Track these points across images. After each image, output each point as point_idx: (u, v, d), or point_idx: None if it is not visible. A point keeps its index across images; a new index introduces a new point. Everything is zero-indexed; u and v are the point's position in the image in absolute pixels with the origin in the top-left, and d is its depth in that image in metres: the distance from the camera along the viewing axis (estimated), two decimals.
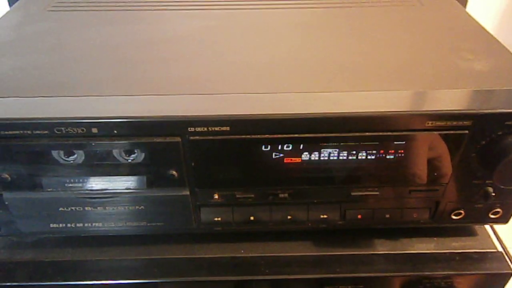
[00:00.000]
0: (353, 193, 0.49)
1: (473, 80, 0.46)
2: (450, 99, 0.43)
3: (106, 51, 0.54)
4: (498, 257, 0.53)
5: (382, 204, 0.50)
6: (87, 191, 0.47)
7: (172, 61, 0.51)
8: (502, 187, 0.47)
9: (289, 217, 0.51)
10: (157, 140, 0.43)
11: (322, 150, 0.46)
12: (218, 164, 0.45)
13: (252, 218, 0.51)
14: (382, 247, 0.54)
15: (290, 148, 0.45)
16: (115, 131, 0.42)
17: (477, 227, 0.56)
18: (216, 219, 0.51)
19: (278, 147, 0.45)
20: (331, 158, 0.46)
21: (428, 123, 0.42)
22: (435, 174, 0.47)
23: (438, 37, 0.57)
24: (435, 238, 0.55)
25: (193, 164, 0.45)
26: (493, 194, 0.48)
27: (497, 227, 0.56)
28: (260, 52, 0.54)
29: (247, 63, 0.51)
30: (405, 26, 0.61)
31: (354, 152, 0.46)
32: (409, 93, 0.45)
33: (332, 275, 0.51)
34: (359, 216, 0.52)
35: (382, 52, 0.53)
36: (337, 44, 0.56)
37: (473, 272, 0.51)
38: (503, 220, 0.52)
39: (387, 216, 0.51)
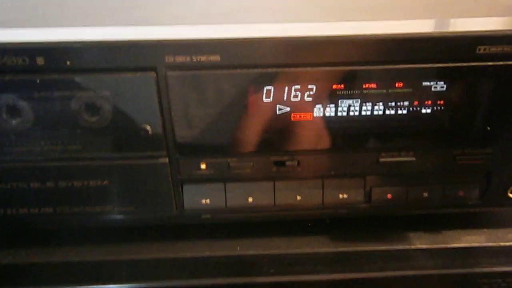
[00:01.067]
0: (381, 159, 0.38)
1: None
2: (505, 23, 0.34)
3: None
4: None
5: (418, 178, 0.39)
6: (32, 158, 0.36)
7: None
8: None
9: (298, 197, 0.39)
10: (123, 76, 0.32)
11: (339, 100, 0.35)
12: (204, 115, 0.34)
13: (250, 199, 0.39)
14: (420, 241, 0.41)
15: (299, 97, 0.35)
16: (68, 62, 0.31)
17: None
18: (203, 201, 0.39)
19: (283, 90, 0.34)
20: (351, 112, 0.36)
21: (479, 49, 0.32)
22: (487, 129, 0.36)
23: None
24: (485, 230, 0.43)
25: (171, 113, 0.34)
26: None
27: None
28: None
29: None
30: None
31: (381, 101, 0.35)
32: (451, 20, 0.35)
33: (355, 275, 0.39)
34: (389, 196, 0.40)
35: None
36: None
37: None
38: None
39: (425, 195, 0.40)
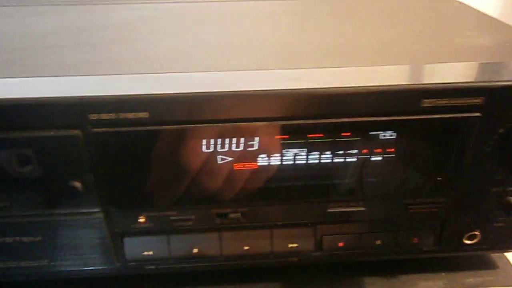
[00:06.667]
0: (330, 210, 0.36)
1: (477, 54, 0.36)
2: (453, 73, 0.32)
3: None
4: None
5: (370, 225, 0.38)
6: None
7: (82, 46, 0.39)
8: None
9: (246, 247, 0.38)
10: (47, 134, 0.30)
11: (284, 150, 0.33)
12: (138, 171, 0.32)
13: (195, 250, 0.37)
14: (375, 287, 0.40)
15: (242, 147, 0.33)
16: None
17: (497, 256, 0.43)
18: (146, 253, 0.37)
19: (224, 144, 0.32)
20: (298, 161, 0.34)
21: (424, 103, 0.31)
22: (438, 179, 0.35)
23: (432, 19, 0.47)
24: (443, 274, 0.41)
25: (102, 170, 0.32)
26: None
27: None
28: (207, 36, 0.43)
29: (186, 46, 0.40)
30: (393, 11, 0.51)
31: (328, 151, 0.33)
32: (399, 68, 0.33)
33: None
34: (341, 244, 0.38)
35: (363, 32, 0.43)
36: (311, 26, 0.46)
37: None
38: None
39: (378, 242, 0.38)
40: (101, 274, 0.38)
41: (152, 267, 0.38)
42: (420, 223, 0.37)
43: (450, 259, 0.42)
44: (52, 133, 0.30)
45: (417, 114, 0.31)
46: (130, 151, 0.31)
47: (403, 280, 0.41)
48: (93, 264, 0.37)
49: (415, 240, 0.38)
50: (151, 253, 0.37)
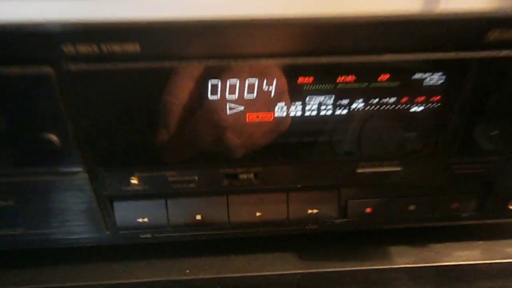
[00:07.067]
0: (359, 170, 0.30)
1: None
2: None
3: None
4: None
5: (404, 188, 0.32)
6: None
7: None
8: None
9: (258, 213, 0.32)
10: (9, 72, 0.23)
11: (308, 96, 0.27)
12: (128, 121, 0.26)
13: (198, 217, 0.32)
14: (403, 259, 0.35)
15: (256, 92, 0.26)
16: None
17: None
18: (140, 220, 0.32)
19: (234, 89, 0.26)
20: (323, 112, 0.28)
21: (489, 36, 0.24)
22: (492, 133, 0.29)
23: None
24: (480, 242, 0.37)
25: (83, 119, 0.26)
26: None
27: None
28: None
29: None
30: None
31: (360, 98, 0.27)
32: None
33: None
34: (369, 210, 0.33)
35: None
36: None
37: None
38: None
39: (412, 208, 0.33)
40: (89, 244, 0.33)
41: (148, 235, 0.33)
42: (464, 185, 0.32)
43: (489, 226, 0.37)
44: (16, 70, 0.23)
45: (479, 50, 0.25)
46: (118, 94, 0.25)
47: (435, 250, 0.36)
48: (79, 232, 0.32)
49: (455, 205, 0.33)
50: (146, 220, 0.32)
